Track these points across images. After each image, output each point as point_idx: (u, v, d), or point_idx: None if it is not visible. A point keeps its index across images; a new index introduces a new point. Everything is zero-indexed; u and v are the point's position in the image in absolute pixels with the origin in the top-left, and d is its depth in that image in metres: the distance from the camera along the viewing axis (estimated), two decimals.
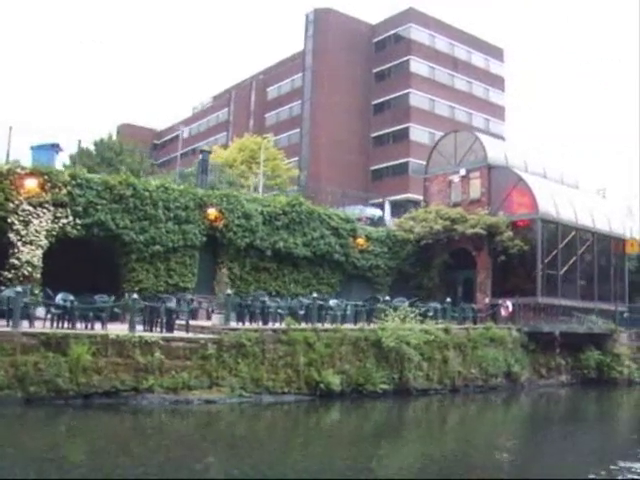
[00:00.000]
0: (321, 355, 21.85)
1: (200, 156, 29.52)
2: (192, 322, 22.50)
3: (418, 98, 59.33)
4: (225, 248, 27.10)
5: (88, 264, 26.29)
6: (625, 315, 32.74)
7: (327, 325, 23.34)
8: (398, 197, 53.63)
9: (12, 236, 22.58)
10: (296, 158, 58.90)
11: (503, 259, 29.87)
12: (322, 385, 21.22)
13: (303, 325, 22.67)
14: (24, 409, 16.86)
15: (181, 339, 20.32)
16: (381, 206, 50.76)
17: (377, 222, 35.64)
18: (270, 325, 22.32)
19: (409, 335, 23.06)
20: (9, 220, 22.51)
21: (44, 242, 23.19)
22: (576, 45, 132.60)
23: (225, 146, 56.98)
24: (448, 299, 27.07)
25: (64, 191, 23.63)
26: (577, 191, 33.78)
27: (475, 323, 27.88)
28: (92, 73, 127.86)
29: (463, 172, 31.91)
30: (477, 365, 25.88)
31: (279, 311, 23.03)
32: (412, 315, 23.72)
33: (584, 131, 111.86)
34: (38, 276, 23.06)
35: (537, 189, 29.81)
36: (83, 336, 18.80)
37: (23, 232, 22.70)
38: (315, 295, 23.74)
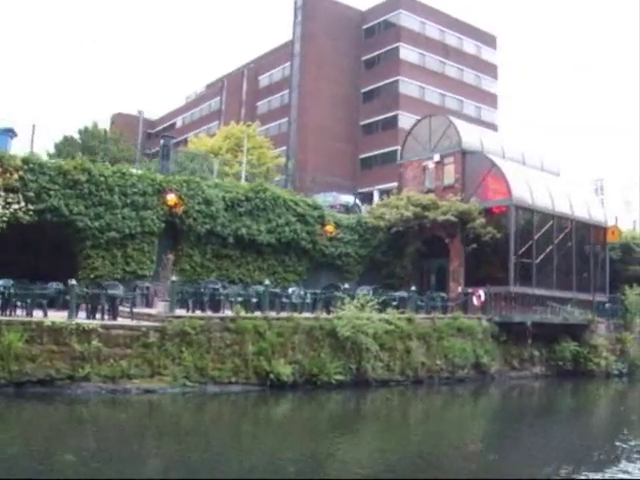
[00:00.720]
0: (272, 344, 21.12)
1: (162, 141, 28.72)
2: (144, 310, 22.01)
3: (408, 85, 58.36)
4: (185, 235, 26.33)
5: (44, 251, 25.80)
6: (607, 306, 31.82)
7: (283, 314, 22.57)
8: (388, 185, 52.58)
9: None
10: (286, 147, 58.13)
11: (475, 247, 28.95)
12: (272, 375, 20.53)
13: (257, 314, 22.00)
14: None
15: (121, 327, 19.65)
16: (370, 195, 50.03)
17: (351, 209, 34.73)
18: (221, 313, 21.64)
19: (366, 324, 22.28)
20: None
21: None
22: (573, 34, 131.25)
23: (213, 135, 56.37)
24: (413, 287, 26.20)
25: (15, 176, 22.96)
26: (556, 178, 32.78)
27: (445, 312, 27.06)
28: (86, 64, 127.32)
29: (437, 158, 30.98)
30: (443, 356, 25.02)
31: (230, 299, 22.25)
32: (370, 304, 22.91)
33: (580, 121, 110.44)
34: None
35: (511, 175, 28.85)
36: (16, 323, 18.25)
37: None
38: (267, 282, 22.98)
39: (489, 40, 66.44)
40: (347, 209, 34.26)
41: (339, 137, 57.04)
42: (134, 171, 25.89)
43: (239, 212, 27.11)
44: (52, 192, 23.49)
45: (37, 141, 46.06)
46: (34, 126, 28.13)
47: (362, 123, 60.44)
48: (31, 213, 23.08)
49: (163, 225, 25.82)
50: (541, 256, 29.50)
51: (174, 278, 21.23)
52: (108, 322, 19.72)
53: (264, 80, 67.99)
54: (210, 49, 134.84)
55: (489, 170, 29.32)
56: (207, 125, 69.47)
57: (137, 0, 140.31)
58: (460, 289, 28.96)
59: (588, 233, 32.02)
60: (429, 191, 30.99)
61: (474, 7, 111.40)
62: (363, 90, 60.90)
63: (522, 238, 29.11)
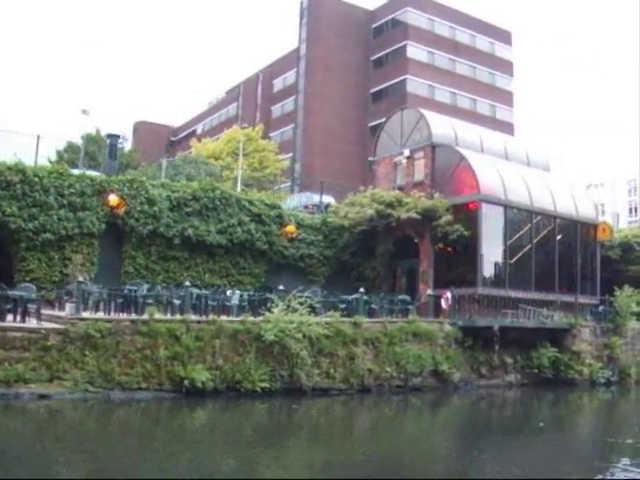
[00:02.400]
0: (188, 349, 19.77)
1: (108, 141, 27.80)
2: (56, 312, 21.03)
3: (416, 84, 56.49)
4: (127, 236, 25.34)
5: None
6: (601, 308, 29.40)
7: (208, 317, 21.21)
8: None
9: None
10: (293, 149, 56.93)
11: (441, 246, 27.16)
12: (187, 382, 19.21)
13: (176, 317, 20.75)
14: None
15: (19, 329, 18.55)
16: None
17: (326, 209, 33.11)
18: (135, 316, 20.43)
19: (295, 328, 20.75)
20: None
21: None
22: (591, 30, 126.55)
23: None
24: (362, 289, 24.47)
25: None
26: (539, 172, 30.40)
27: (406, 316, 25.28)
28: (109, 74, 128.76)
29: (407, 153, 29.13)
30: (394, 363, 23.22)
31: (148, 301, 21.04)
32: (302, 307, 21.40)
33: (599, 119, 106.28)
34: None
35: (481, 168, 26.85)
36: None
37: None
38: (187, 283, 21.71)
39: (503, 36, 63.99)
40: (319, 209, 32.65)
41: (347, 139, 55.55)
42: (74, 171, 24.98)
43: (186, 212, 25.93)
44: None
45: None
46: (38, 136, 27.26)
47: (371, 124, 58.15)
48: None
49: (104, 226, 24.86)
50: (517, 255, 27.43)
51: (81, 279, 20.21)
52: (5, 324, 18.78)
53: (278, 84, 67.02)
54: (233, 54, 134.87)
55: (458, 164, 27.40)
56: (225, 131, 68.72)
57: (154, 9, 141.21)
58: (429, 291, 27.06)
59: (575, 230, 29.67)
60: (400, 188, 29.21)
61: (487, 3, 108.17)
62: (372, 90, 59.30)
63: (494, 236, 27.11)
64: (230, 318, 21.59)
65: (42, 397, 17.56)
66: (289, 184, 50.34)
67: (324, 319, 22.37)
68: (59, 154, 44.90)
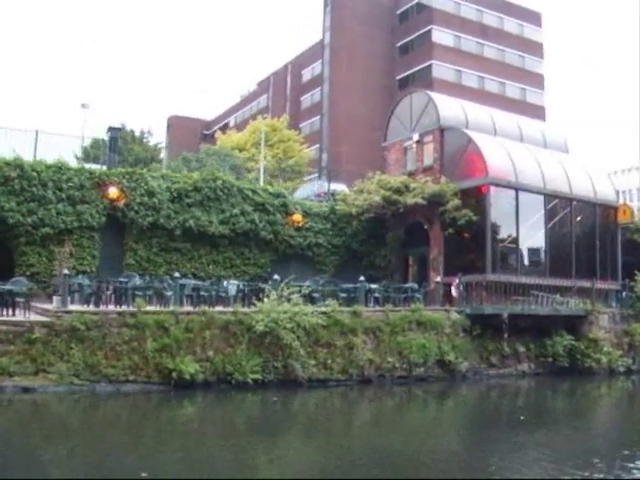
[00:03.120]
0: (177, 340, 19.47)
1: (109, 134, 27.66)
2: (45, 305, 20.82)
3: (442, 69, 55.27)
4: (128, 228, 25.21)
5: None
6: (625, 294, 28.15)
7: (198, 308, 20.87)
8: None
9: None
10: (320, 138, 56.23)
11: (451, 232, 26.23)
12: (175, 374, 18.92)
13: (164, 308, 20.47)
14: None
15: (4, 322, 18.47)
16: None
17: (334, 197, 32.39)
18: (124, 308, 20.20)
19: (286, 318, 20.25)
20: None
21: None
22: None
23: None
24: (362, 277, 23.84)
25: None
26: (555, 154, 29.19)
27: (414, 305, 24.57)
28: (142, 69, 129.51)
29: (416, 137, 28.33)
30: (396, 353, 22.57)
31: (137, 293, 20.79)
32: (296, 296, 20.89)
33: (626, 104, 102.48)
34: None
35: (489, 151, 25.91)
36: None
37: None
38: (177, 274, 21.32)
39: (533, 17, 62.11)
40: (334, 198, 32.04)
41: (373, 127, 54.18)
42: (72, 165, 24.90)
43: (187, 203, 25.66)
44: None
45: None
46: (37, 131, 27.23)
47: None
48: None
49: (104, 219, 24.75)
50: (530, 240, 26.43)
51: (66, 272, 20.05)
52: None
53: (306, 74, 66.25)
54: (265, 47, 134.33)
55: (466, 147, 26.49)
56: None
57: (183, 3, 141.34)
58: (439, 279, 26.29)
59: (593, 213, 28.45)
60: (410, 174, 28.42)
61: None
62: (398, 77, 58.28)
63: (505, 221, 26.17)
64: (222, 309, 21.24)
65: (26, 390, 17.42)
66: (317, 174, 49.90)
67: (321, 309, 21.87)
68: (85, 150, 44.99)
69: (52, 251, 23.96)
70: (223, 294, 22.17)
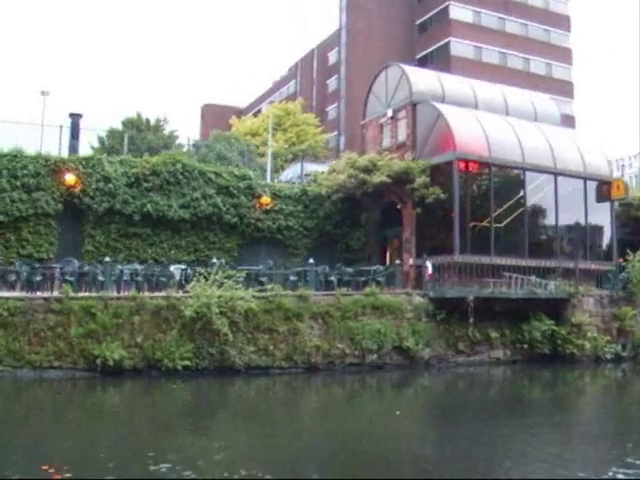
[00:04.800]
0: (104, 326, 18.98)
1: (70, 120, 27.23)
2: None
3: (461, 47, 53.06)
4: (85, 215, 24.78)
5: None
6: (622, 275, 26.11)
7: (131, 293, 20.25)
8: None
9: None
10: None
11: (420, 211, 24.88)
12: (99, 360, 18.40)
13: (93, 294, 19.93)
14: None
15: None
16: None
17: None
18: (49, 293, 19.75)
19: (216, 303, 19.40)
20: None
21: None
22: None
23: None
24: (311, 260, 22.74)
25: None
26: (541, 126, 27.14)
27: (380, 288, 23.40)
28: (175, 58, 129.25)
29: (390, 113, 26.97)
30: (347, 339, 21.46)
31: (69, 278, 20.31)
32: (230, 280, 20.01)
33: None
34: None
35: (459, 124, 24.34)
36: None
37: None
38: (107, 259, 20.90)
39: None
40: (301, 179, 30.97)
41: None
42: (29, 153, 24.62)
43: (145, 187, 25.02)
44: None
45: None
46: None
47: None
48: None
49: (61, 206, 24.40)
50: (508, 219, 24.77)
51: None
52: None
53: (332, 57, 64.51)
54: (301, 30, 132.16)
55: (436, 121, 25.00)
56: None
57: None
58: (412, 261, 24.98)
59: (584, 189, 26.49)
60: (385, 150, 27.07)
61: None
62: (418, 56, 56.32)
63: (478, 198, 24.63)
64: (156, 294, 20.57)
65: None
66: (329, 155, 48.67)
67: (262, 293, 20.95)
68: (101, 140, 45.09)
69: (9, 239, 23.76)
70: (164, 279, 21.49)
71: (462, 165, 24.13)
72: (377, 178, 24.73)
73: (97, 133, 43.45)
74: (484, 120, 25.23)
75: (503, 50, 54.73)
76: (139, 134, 45.82)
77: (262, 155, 43.73)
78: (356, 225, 27.69)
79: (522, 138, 25.31)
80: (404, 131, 26.35)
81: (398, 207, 26.12)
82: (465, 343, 23.31)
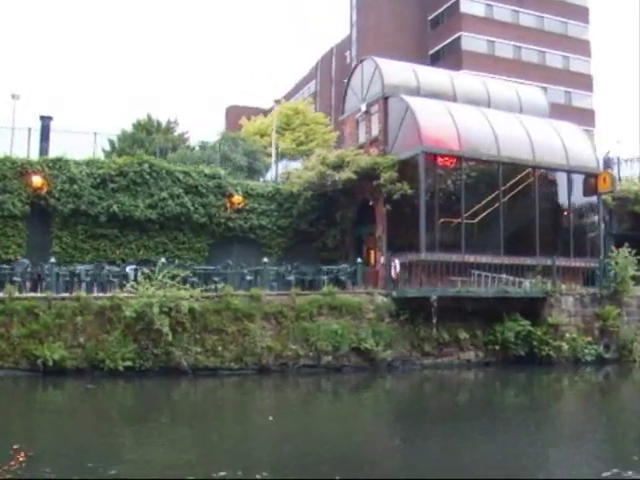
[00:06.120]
0: (47, 326, 18.94)
1: (40, 123, 27.17)
2: None
3: (472, 41, 51.62)
4: (52, 216, 24.73)
5: None
6: (612, 272, 24.72)
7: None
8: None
9: None
10: None
11: (389, 208, 24.06)
12: (40, 360, 18.29)
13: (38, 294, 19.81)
14: None
15: None
16: None
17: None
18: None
19: (157, 303, 19.00)
20: None
21: None
22: None
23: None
24: (265, 259, 22.17)
25: None
26: (521, 118, 25.76)
27: (343, 288, 22.74)
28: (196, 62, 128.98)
29: (364, 107, 26.20)
30: (301, 340, 20.82)
31: (15, 279, 20.21)
32: (169, 280, 19.63)
33: None
34: None
35: (427, 117, 23.41)
36: None
37: None
38: (52, 260, 20.75)
39: None
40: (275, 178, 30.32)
41: None
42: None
43: (112, 188, 24.80)
44: None
45: None
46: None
47: None
48: None
49: (28, 208, 24.40)
50: (481, 215, 23.72)
51: None
52: None
53: (349, 56, 63.70)
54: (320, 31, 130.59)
55: (404, 115, 24.11)
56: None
57: None
58: (382, 259, 24.16)
59: (569, 182, 25.22)
60: (360, 147, 26.33)
61: None
62: (430, 52, 55.09)
63: (449, 193, 23.69)
64: (101, 295, 20.31)
65: None
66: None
67: (211, 293, 20.49)
68: (112, 143, 45.35)
69: None
70: (115, 279, 21.19)
71: (431, 159, 23.22)
72: (344, 175, 24.04)
73: (107, 137, 43.81)
74: (457, 112, 24.24)
75: (517, 43, 53.18)
76: (148, 136, 45.93)
77: (269, 155, 43.35)
78: (332, 223, 27.01)
79: (498, 131, 24.24)
80: (377, 126, 25.56)
81: (370, 204, 25.33)
82: (432, 344, 22.39)
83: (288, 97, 73.10)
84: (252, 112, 74.30)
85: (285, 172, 29.02)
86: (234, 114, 68.47)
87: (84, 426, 13.39)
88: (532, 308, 23.06)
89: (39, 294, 19.88)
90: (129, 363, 18.89)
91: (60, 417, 14.57)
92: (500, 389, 20.62)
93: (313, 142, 44.94)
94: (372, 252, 26.10)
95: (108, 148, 44.33)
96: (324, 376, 20.63)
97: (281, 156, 40.44)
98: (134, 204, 24.97)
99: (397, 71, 26.26)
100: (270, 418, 14.15)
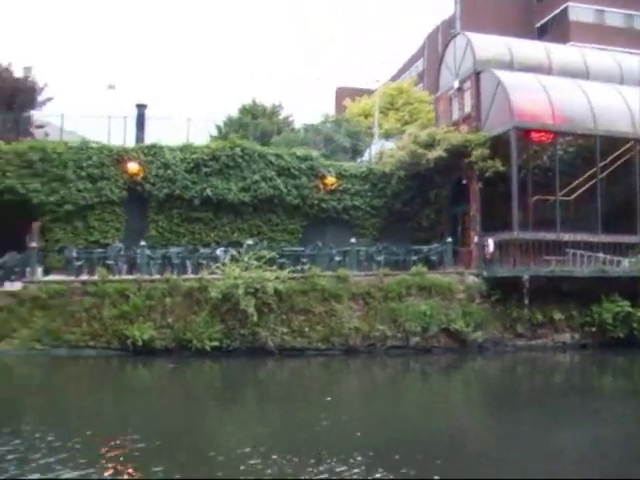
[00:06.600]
0: (137, 308, 19.71)
1: (137, 111, 27.93)
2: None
3: (579, 11, 48.72)
4: (148, 201, 25.57)
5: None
6: None
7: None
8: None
9: None
10: None
11: (481, 186, 23.39)
12: (130, 340, 19.08)
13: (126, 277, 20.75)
14: None
15: None
16: None
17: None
18: (87, 277, 20.65)
19: (243, 284, 19.29)
20: None
21: None
22: None
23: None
24: (353, 239, 22.01)
25: None
26: (621, 89, 24.41)
27: (434, 268, 22.38)
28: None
29: (457, 84, 25.54)
30: (389, 320, 20.65)
31: (108, 262, 21.04)
32: (255, 261, 19.91)
33: None
34: None
35: (520, 91, 22.60)
36: None
37: None
38: (143, 243, 21.43)
39: None
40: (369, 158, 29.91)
41: None
42: (93, 144, 25.67)
43: (205, 172, 25.37)
44: (9, 173, 24.44)
45: None
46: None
47: None
48: None
49: (125, 193, 25.34)
50: (578, 192, 22.70)
51: (34, 244, 21.02)
52: None
53: (455, 31, 61.77)
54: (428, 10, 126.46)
55: (496, 90, 23.34)
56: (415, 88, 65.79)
57: None
58: (476, 239, 23.57)
59: None
60: (455, 124, 25.73)
61: None
62: (537, 25, 52.65)
63: (545, 170, 22.78)
64: (189, 276, 20.84)
65: None
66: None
67: (298, 274, 20.63)
68: (219, 129, 46.32)
69: (76, 226, 24.95)
70: (205, 261, 21.65)
71: (523, 135, 22.42)
72: (435, 153, 23.58)
73: (215, 122, 44.82)
74: (551, 86, 23.28)
75: (629, 12, 50.25)
76: (253, 120, 46.65)
77: (369, 136, 43.12)
78: (426, 203, 26.58)
79: (596, 103, 23.11)
80: (469, 102, 24.93)
81: (464, 182, 24.74)
82: (524, 326, 21.76)
83: (396, 77, 72.22)
84: (360, 93, 74.00)
85: (379, 152, 28.68)
86: (344, 95, 68.11)
87: (178, 405, 13.68)
88: (632, 288, 21.86)
89: (130, 277, 20.61)
90: (216, 343, 19.35)
91: (153, 396, 15.13)
92: (597, 373, 19.79)
93: (417, 121, 44.21)
94: (467, 232, 25.52)
95: (215, 133, 45.22)
96: (412, 357, 20.41)
97: (386, 136, 40.18)
98: (227, 187, 25.44)
99: (489, 45, 25.45)
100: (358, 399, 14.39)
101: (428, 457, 9.23)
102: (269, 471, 8.34)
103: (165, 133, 26.57)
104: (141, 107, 27.41)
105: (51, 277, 21.22)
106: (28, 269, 20.57)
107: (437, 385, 17.71)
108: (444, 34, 62.79)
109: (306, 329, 20.27)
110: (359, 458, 9.04)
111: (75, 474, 8.11)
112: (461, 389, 17.22)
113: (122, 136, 26.55)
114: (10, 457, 8.71)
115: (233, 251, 21.35)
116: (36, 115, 33.09)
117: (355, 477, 8.26)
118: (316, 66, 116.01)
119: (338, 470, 8.41)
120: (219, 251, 22.40)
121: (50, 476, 8.06)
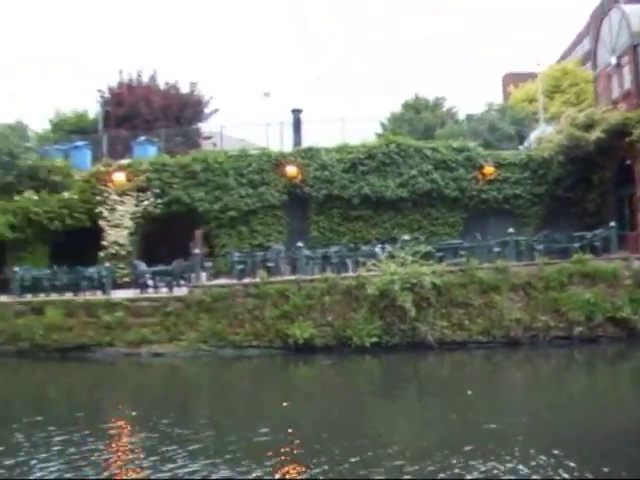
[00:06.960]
0: (297, 307, 20.37)
1: (292, 115, 28.56)
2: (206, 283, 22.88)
3: None
4: (308, 203, 26.31)
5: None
6: None
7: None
8: None
9: (102, 222, 25.81)
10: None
11: None
12: (291, 339, 19.69)
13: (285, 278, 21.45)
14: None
15: (146, 299, 21.52)
16: None
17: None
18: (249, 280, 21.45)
19: (399, 280, 19.32)
20: (97, 210, 25.80)
21: (129, 224, 25.91)
22: None
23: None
24: (511, 229, 21.29)
25: (142, 177, 26.20)
26: None
27: (596, 254, 21.28)
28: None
29: (614, 60, 24.08)
30: (551, 310, 19.85)
31: (268, 264, 21.78)
32: (411, 256, 19.84)
33: None
34: (124, 253, 25.74)
35: None
36: (59, 302, 21.48)
37: (110, 218, 25.77)
38: (300, 244, 21.92)
39: None
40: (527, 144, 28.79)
41: None
42: (253, 151, 26.72)
43: (362, 171, 25.77)
44: (175, 185, 26.17)
45: None
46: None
47: None
48: (160, 206, 26.04)
49: (285, 197, 26.20)
50: None
51: (197, 251, 22.02)
52: (136, 295, 21.59)
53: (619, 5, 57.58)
54: None
55: None
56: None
57: None
58: None
59: None
60: (615, 102, 24.31)
61: None
62: None
63: None
64: (347, 274, 21.12)
65: (157, 355, 20.25)
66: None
67: (437, 267, 20.33)
68: (383, 126, 46.61)
69: (241, 231, 26.16)
70: (363, 258, 21.84)
71: None
72: (593, 134, 22.44)
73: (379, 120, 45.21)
74: None
75: None
76: (416, 115, 46.52)
77: (535, 121, 41.62)
78: (590, 187, 25.31)
79: None
80: (628, 78, 23.47)
81: (628, 163, 23.34)
82: None
83: (562, 58, 69.12)
84: (526, 78, 71.44)
85: (537, 138, 27.70)
86: (511, 82, 66.11)
87: (348, 402, 14.18)
88: None
89: (290, 277, 21.24)
90: (375, 339, 19.41)
91: (318, 393, 15.76)
92: None
93: (584, 102, 42.15)
94: (635, 214, 24.05)
95: (380, 131, 45.43)
96: (577, 348, 19.43)
97: (552, 120, 38.73)
98: (384, 184, 25.67)
99: None
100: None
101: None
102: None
103: (320, 136, 27.34)
104: (296, 112, 28.29)
105: (215, 281, 22.32)
106: (193, 275, 21.76)
107: (605, 376, 16.93)
108: (607, 9, 59.39)
109: (466, 322, 19.91)
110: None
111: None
112: (633, 381, 16.29)
113: (279, 141, 27.49)
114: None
115: (390, 247, 21.45)
116: (203, 127, 34.93)
117: None
118: (480, 58, 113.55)
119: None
120: (377, 248, 22.56)
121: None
